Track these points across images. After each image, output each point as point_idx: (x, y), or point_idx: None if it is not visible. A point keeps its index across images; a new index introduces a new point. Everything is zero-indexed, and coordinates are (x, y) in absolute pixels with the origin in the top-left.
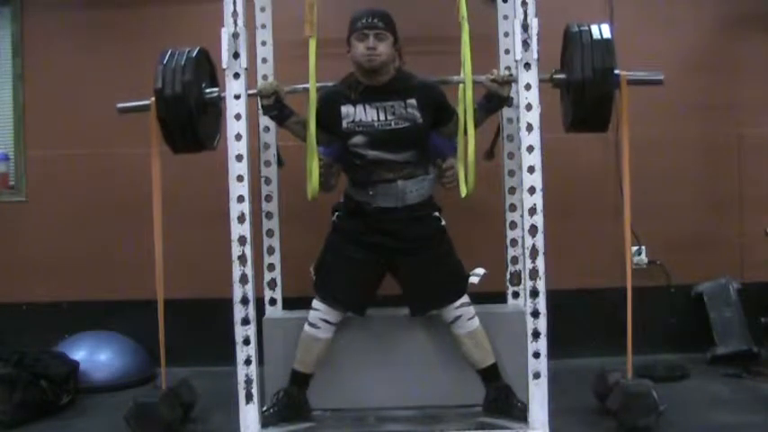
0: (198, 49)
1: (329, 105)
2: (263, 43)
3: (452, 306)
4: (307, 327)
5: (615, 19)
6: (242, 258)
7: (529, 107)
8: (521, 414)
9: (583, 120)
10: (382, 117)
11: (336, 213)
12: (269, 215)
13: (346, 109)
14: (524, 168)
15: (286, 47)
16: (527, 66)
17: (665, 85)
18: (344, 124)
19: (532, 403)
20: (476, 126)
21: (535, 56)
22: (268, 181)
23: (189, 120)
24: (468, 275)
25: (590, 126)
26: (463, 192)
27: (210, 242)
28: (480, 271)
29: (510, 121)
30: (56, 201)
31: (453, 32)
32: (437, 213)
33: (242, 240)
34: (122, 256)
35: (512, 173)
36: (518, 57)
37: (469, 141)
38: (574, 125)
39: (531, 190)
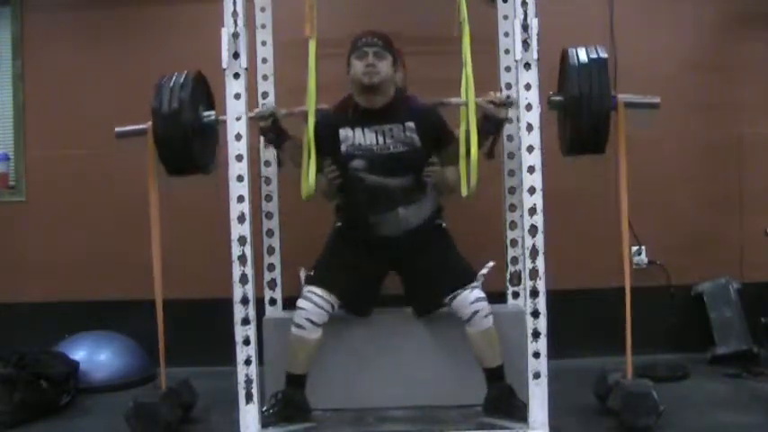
0: (195, 72)
1: (327, 129)
2: (263, 43)
3: (467, 301)
4: (293, 329)
5: (615, 19)
6: (242, 258)
7: (529, 107)
8: (521, 414)
9: (581, 142)
10: (381, 141)
11: (338, 223)
12: (269, 215)
13: (345, 132)
14: (524, 168)
15: (286, 47)
16: (527, 66)
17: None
18: (344, 147)
19: (532, 403)
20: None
21: (535, 56)
22: (268, 181)
23: (184, 140)
24: (474, 272)
25: (588, 148)
26: (464, 191)
27: (210, 242)
28: (490, 264)
29: (510, 120)
30: (56, 201)
31: (453, 32)
32: (438, 221)
33: (242, 240)
34: (122, 256)
35: (512, 173)
36: (518, 57)
37: (472, 142)
38: (572, 148)
39: (531, 190)
